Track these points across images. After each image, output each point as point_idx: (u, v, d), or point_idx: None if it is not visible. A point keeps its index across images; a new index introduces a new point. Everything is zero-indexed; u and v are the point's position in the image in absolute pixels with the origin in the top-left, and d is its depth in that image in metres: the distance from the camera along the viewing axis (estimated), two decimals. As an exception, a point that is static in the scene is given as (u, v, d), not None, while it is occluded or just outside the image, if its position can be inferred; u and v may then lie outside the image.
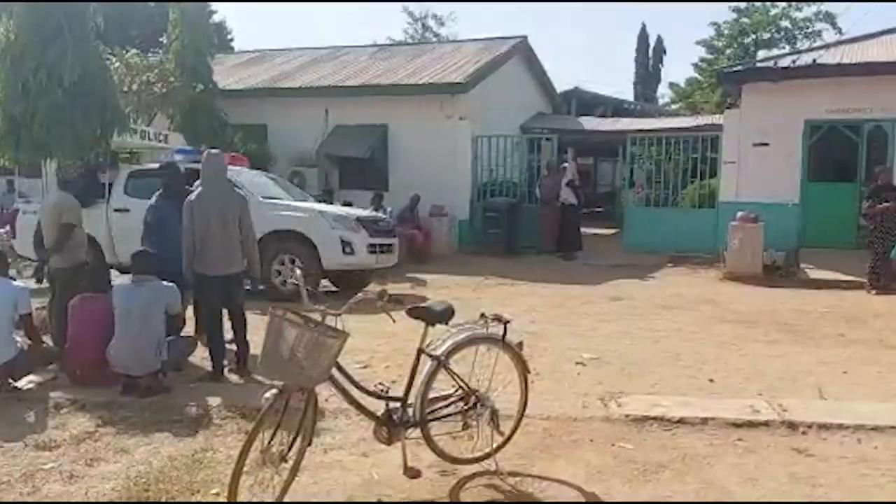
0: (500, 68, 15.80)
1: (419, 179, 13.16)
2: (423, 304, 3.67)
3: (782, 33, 29.32)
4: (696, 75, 30.80)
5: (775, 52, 23.47)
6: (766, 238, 10.92)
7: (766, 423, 4.42)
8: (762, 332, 7.27)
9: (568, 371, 5.77)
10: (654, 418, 4.53)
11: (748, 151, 12.63)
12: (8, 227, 10.75)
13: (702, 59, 30.40)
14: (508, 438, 3.91)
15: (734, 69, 14.18)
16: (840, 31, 27.40)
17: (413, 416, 3.54)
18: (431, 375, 3.57)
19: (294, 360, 3.04)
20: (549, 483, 3.68)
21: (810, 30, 28.90)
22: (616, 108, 22.40)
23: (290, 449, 3.19)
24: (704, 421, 4.48)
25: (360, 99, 14.87)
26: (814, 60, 12.62)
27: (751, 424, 4.42)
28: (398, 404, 3.54)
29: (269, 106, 15.38)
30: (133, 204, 8.99)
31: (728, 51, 29.20)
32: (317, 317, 3.21)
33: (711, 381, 5.48)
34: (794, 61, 12.92)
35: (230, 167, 9.65)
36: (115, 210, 9.53)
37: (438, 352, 3.60)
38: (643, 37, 39.12)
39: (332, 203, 11.55)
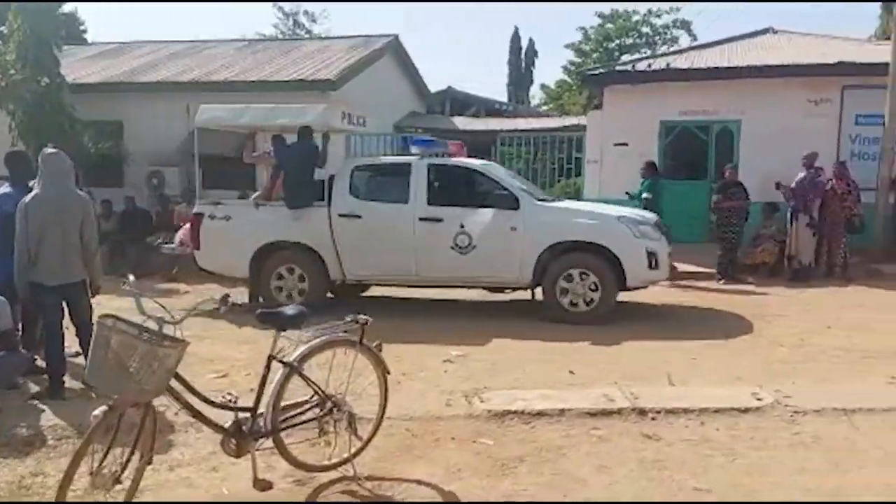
0: (372, 66, 15.70)
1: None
2: (272, 309, 3.53)
3: (644, 39, 30.96)
4: (566, 78, 31.95)
5: (637, 56, 24.66)
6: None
7: (618, 411, 4.59)
8: (624, 324, 7.56)
9: (436, 369, 5.78)
10: (515, 412, 4.61)
11: (609, 151, 13.16)
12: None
13: (571, 63, 31.58)
14: (368, 442, 3.84)
15: (596, 72, 14.75)
16: (695, 38, 29.26)
17: (264, 425, 3.40)
18: (283, 382, 3.44)
19: (126, 372, 2.83)
20: (408, 484, 3.65)
21: (669, 36, 30.72)
22: (489, 109, 22.80)
23: (124, 469, 2.97)
24: (562, 412, 4.59)
25: (226, 95, 14.29)
26: (667, 64, 13.37)
27: (605, 413, 4.58)
28: (248, 414, 3.39)
29: (124, 101, 14.45)
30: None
31: (594, 55, 30.46)
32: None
33: (572, 372, 5.63)
34: (649, 65, 13.62)
35: (456, 157, 8.73)
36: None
37: (291, 357, 3.48)
38: (515, 40, 40.08)
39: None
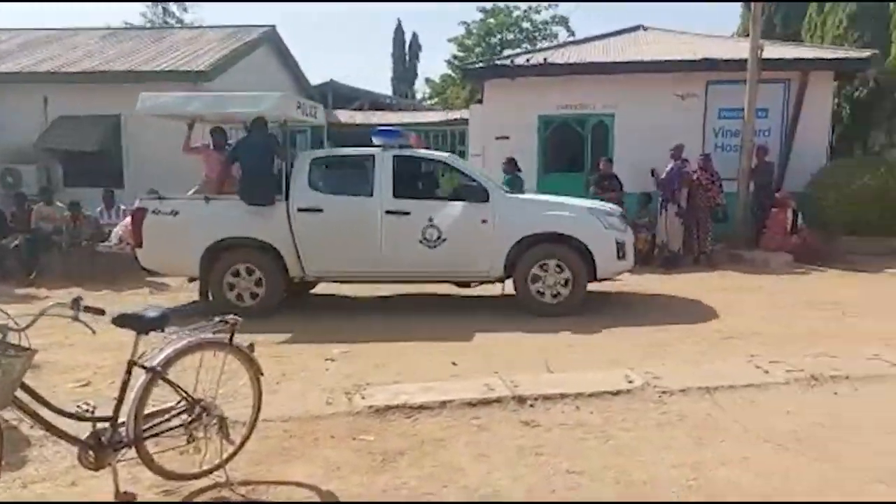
0: (248, 57, 15.23)
1: (160, 174, 12.20)
2: (132, 311, 3.33)
3: (524, 34, 31.74)
4: (450, 72, 32.26)
5: (518, 51, 25.18)
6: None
7: (498, 400, 4.65)
8: (498, 315, 7.67)
9: (317, 368, 5.66)
10: (397, 407, 4.57)
11: (491, 144, 13.38)
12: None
13: (454, 57, 31.91)
14: (241, 446, 3.70)
15: (476, 66, 14.94)
16: (573, 34, 30.31)
17: (126, 435, 3.20)
18: (145, 389, 3.25)
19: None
20: (285, 486, 3.54)
21: (548, 31, 31.64)
22: (373, 103, 22.67)
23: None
24: (443, 404, 4.60)
25: (88, 86, 13.48)
26: (545, 60, 13.72)
27: (485, 402, 4.62)
28: (107, 424, 3.18)
29: (-29, 93, 13.39)
30: None
31: (477, 49, 30.94)
32: None
33: (454, 364, 5.67)
34: (527, 60, 13.94)
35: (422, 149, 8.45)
36: None
37: (154, 362, 3.29)
38: (399, 33, 40.06)
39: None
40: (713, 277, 9.96)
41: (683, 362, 5.63)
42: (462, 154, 14.08)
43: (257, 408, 3.77)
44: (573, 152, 13.63)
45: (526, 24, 31.57)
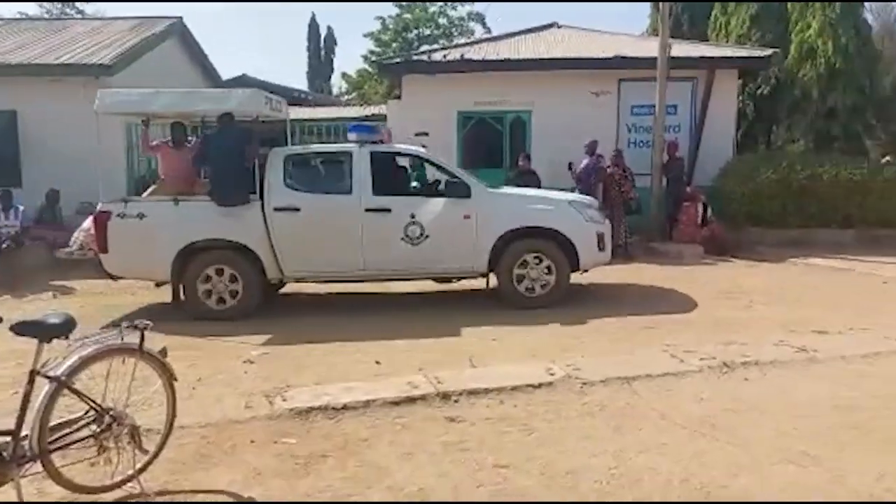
0: (154, 50, 14.58)
1: (62, 173, 11.61)
2: (32, 318, 3.13)
3: (441, 30, 31.81)
4: (367, 67, 32.00)
5: (435, 46, 25.22)
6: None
7: (423, 398, 4.63)
8: (423, 312, 7.69)
9: (235, 371, 5.50)
10: (320, 408, 4.49)
11: (412, 140, 13.29)
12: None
13: (371, 52, 31.67)
14: (156, 455, 3.55)
15: (393, 62, 14.85)
16: (489, 30, 30.58)
17: (29, 448, 3.02)
18: (50, 399, 3.07)
19: None
20: (203, 495, 3.42)
21: (464, 28, 31.81)
22: (288, 98, 22.14)
23: None
24: (367, 404, 4.55)
25: (-24, 80, 12.65)
26: (462, 56, 13.78)
27: (409, 400, 4.60)
28: (8, 438, 2.98)
29: None
30: None
31: (394, 44, 30.79)
32: None
33: (378, 363, 5.61)
34: (445, 56, 13.96)
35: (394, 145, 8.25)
36: None
37: (58, 371, 3.11)
38: (314, 27, 39.46)
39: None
40: (630, 270, 10.22)
41: (603, 353, 5.76)
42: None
43: (172, 415, 3.63)
44: (492, 148, 13.74)
45: (442, 20, 31.67)
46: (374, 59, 29.53)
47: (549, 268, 7.68)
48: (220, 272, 7.51)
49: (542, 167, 11.84)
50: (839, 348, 5.46)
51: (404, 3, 30.79)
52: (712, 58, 13.53)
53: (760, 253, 11.08)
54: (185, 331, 6.48)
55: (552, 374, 4.96)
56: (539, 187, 11.34)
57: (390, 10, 33.40)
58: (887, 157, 13.56)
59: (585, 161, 11.43)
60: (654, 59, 12.05)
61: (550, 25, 16.88)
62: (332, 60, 39.75)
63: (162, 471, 3.59)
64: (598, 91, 13.35)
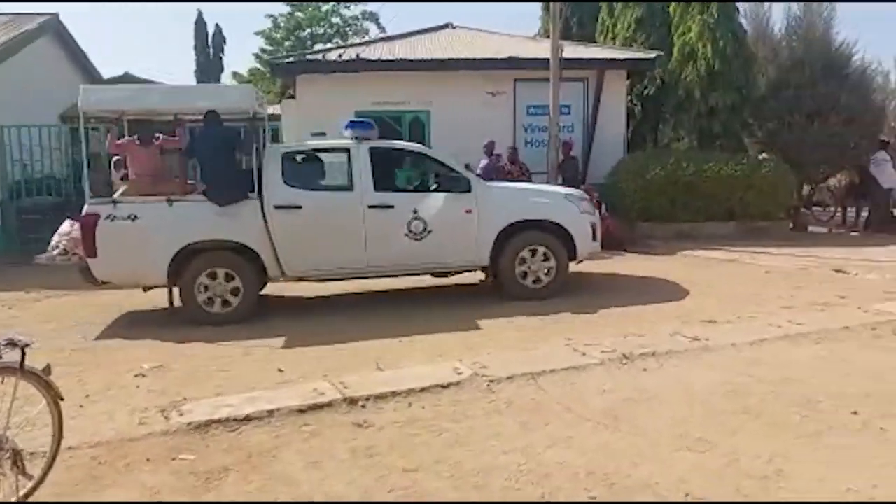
0: (27, 48, 13.69)
1: None
2: None
3: (335, 29, 31.45)
4: (258, 66, 31.23)
5: (330, 46, 24.90)
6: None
7: (329, 404, 4.52)
8: (338, 314, 7.56)
9: (126, 385, 5.20)
10: (220, 421, 4.31)
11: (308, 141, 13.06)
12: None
13: (262, 50, 30.96)
14: (42, 479, 3.30)
15: (286, 61, 14.53)
16: (384, 30, 30.49)
17: None
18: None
19: None
20: (95, 521, 3.20)
21: (359, 27, 31.58)
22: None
23: None
24: (271, 413, 4.40)
25: None
26: (357, 55, 13.64)
27: (315, 407, 4.48)
28: None
29: None
30: None
31: (287, 43, 30.20)
32: None
33: (281, 370, 5.45)
34: (340, 56, 13.78)
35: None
36: None
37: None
38: (200, 25, 38.04)
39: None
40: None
41: (508, 349, 5.81)
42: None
43: (58, 435, 3.38)
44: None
45: (336, 20, 31.32)
46: (266, 58, 28.89)
47: (546, 258, 7.90)
48: (216, 274, 7.27)
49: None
50: (729, 336, 5.73)
51: (296, 3, 30.24)
52: (602, 59, 14.00)
53: (653, 246, 11.55)
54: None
55: (459, 374, 4.96)
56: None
57: (281, 8, 32.70)
58: (764, 154, 14.42)
59: (484, 161, 11.55)
60: (547, 60, 12.32)
61: (445, 26, 17.00)
62: (221, 59, 38.45)
63: (50, 495, 3.35)
64: (495, 91, 13.55)
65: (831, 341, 5.51)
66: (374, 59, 13.56)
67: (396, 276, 8.11)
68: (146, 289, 7.73)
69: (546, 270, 7.93)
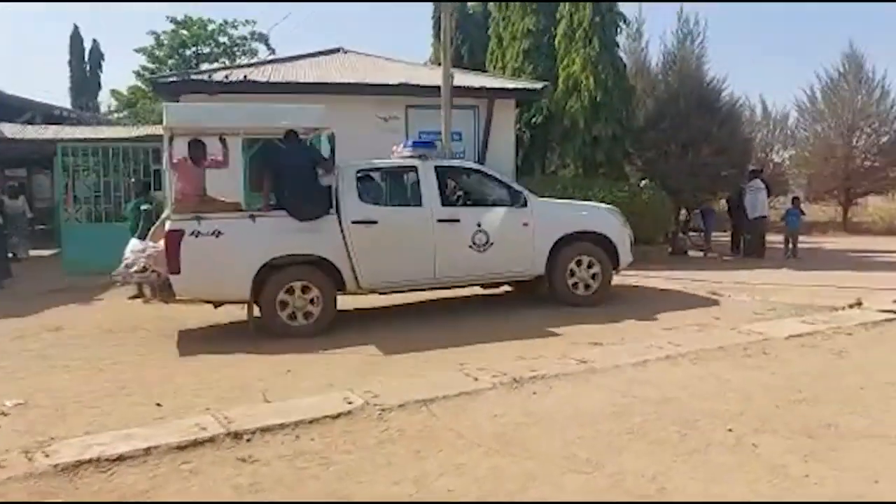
0: None
1: None
2: None
3: (222, 48, 30.67)
4: (140, 84, 30.00)
5: (216, 66, 24.26)
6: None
7: (211, 439, 4.29)
8: (218, 345, 7.24)
9: (-12, 425, 4.77)
10: (90, 461, 3.99)
11: (191, 163, 12.61)
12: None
13: (144, 68, 29.76)
14: None
15: (169, 80, 14.02)
16: (273, 51, 30.00)
17: None
18: None
19: None
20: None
21: (247, 47, 30.93)
22: (47, 115, 20.18)
23: None
24: (147, 451, 4.12)
25: None
26: (245, 77, 13.33)
27: (196, 444, 4.23)
28: None
29: None
30: None
31: (170, 61, 29.18)
32: None
33: (159, 405, 5.16)
34: (226, 76, 13.43)
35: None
36: None
37: None
38: (76, 40, 36.24)
39: None
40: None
41: (401, 376, 5.76)
42: (157, 174, 13.07)
43: None
44: (281, 171, 13.38)
45: (223, 39, 30.55)
46: (147, 76, 27.81)
47: (591, 267, 8.59)
48: (298, 288, 7.47)
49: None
50: (614, 358, 5.90)
51: (180, 20, 29.29)
52: (491, 88, 14.34)
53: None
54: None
55: (350, 403, 4.84)
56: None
57: (165, 25, 31.58)
58: (645, 181, 15.14)
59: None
60: (439, 87, 12.47)
61: (336, 50, 16.94)
62: (98, 76, 36.72)
63: None
64: (387, 116, 13.57)
65: (708, 361, 5.78)
66: (262, 80, 13.29)
67: (462, 286, 8.69)
68: (217, 305, 7.84)
69: (592, 277, 8.61)
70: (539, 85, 14.77)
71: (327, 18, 66.68)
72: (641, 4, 32.67)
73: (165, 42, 29.41)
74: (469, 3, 21.94)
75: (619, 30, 16.14)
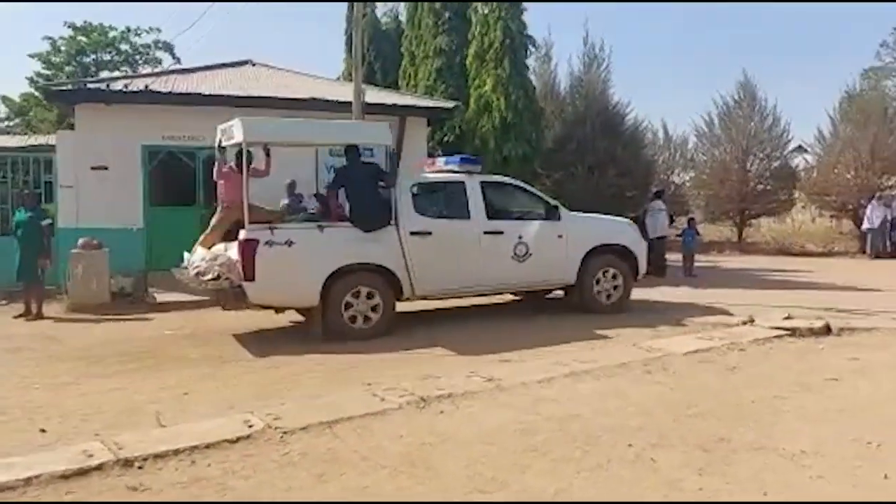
0: None
1: None
2: None
3: (123, 56, 29.56)
4: (33, 91, 28.49)
5: (117, 74, 23.35)
6: (111, 264, 10.65)
7: (99, 467, 4.04)
8: (108, 366, 6.90)
9: None
10: (-38, 495, 3.70)
11: (87, 175, 12.05)
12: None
13: (38, 74, 28.29)
14: None
15: (63, 88, 13.35)
16: (178, 60, 29.12)
17: None
18: None
19: None
20: None
21: (151, 56, 29.91)
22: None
23: None
24: (28, 481, 3.85)
25: None
26: (146, 86, 12.82)
27: (83, 472, 3.98)
28: None
29: None
30: None
31: (67, 68, 27.88)
32: None
33: (43, 431, 4.85)
34: (126, 86, 12.87)
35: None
36: None
37: None
38: (-38, 43, 34.12)
39: None
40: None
41: (303, 398, 5.61)
42: (49, 185, 12.41)
43: None
44: (184, 185, 12.95)
45: (125, 47, 29.44)
46: (42, 83, 26.46)
47: (615, 277, 9.35)
48: (359, 294, 7.97)
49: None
50: (520, 375, 5.94)
51: (79, 25, 28.04)
52: (404, 106, 14.35)
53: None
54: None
55: (251, 427, 4.67)
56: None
57: (62, 30, 30.11)
58: (556, 202, 15.47)
59: (284, 201, 11.28)
60: (350, 102, 12.39)
61: (245, 62, 16.60)
62: (-12, 81, 34.68)
63: None
64: (296, 131, 13.33)
65: (610, 377, 5.90)
66: (165, 91, 12.81)
67: (502, 293, 9.60)
68: (279, 311, 8.41)
69: (614, 287, 9.33)
70: (451, 104, 14.91)
71: (238, 32, 65.41)
72: (550, 27, 33.58)
73: (63, 48, 28.07)
74: (382, 20, 22.01)
75: (528, 52, 16.56)
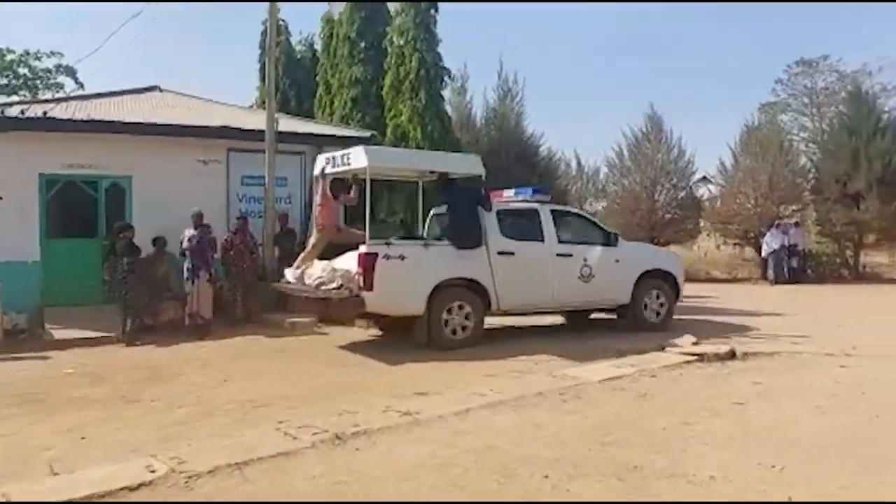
0: None
1: None
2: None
3: (22, 80, 28.24)
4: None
5: (15, 99, 22.25)
6: (5, 300, 10.03)
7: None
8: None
9: None
10: None
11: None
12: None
13: (-72, 98, 26.62)
14: None
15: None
16: (81, 86, 27.94)
17: None
18: None
19: None
20: None
21: (52, 81, 28.66)
22: None
23: None
24: None
25: None
26: (45, 113, 12.21)
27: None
28: None
29: None
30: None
31: (-39, 92, 26.41)
32: None
33: None
34: (23, 112, 12.21)
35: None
36: None
37: None
38: None
39: None
40: (244, 342, 9.94)
41: (212, 438, 5.36)
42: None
43: None
44: (85, 216, 12.36)
45: (24, 70, 28.12)
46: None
47: (659, 298, 10.31)
48: (458, 307, 8.94)
49: (146, 236, 10.99)
50: (438, 408, 5.86)
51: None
52: (320, 135, 14.20)
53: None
54: None
55: (153, 472, 4.40)
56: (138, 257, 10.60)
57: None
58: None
59: (190, 231, 10.92)
60: (263, 131, 12.18)
61: (152, 88, 16.12)
62: None
63: None
64: (206, 159, 12.99)
65: (527, 408, 5.90)
66: (65, 118, 12.23)
67: (567, 311, 10.58)
68: (383, 327, 10.01)
69: (661, 306, 10.33)
70: (367, 133, 14.84)
71: (148, 57, 63.70)
72: (466, 60, 34.16)
73: (-44, 70, 26.63)
74: (297, 48, 21.83)
75: (444, 84, 16.74)
